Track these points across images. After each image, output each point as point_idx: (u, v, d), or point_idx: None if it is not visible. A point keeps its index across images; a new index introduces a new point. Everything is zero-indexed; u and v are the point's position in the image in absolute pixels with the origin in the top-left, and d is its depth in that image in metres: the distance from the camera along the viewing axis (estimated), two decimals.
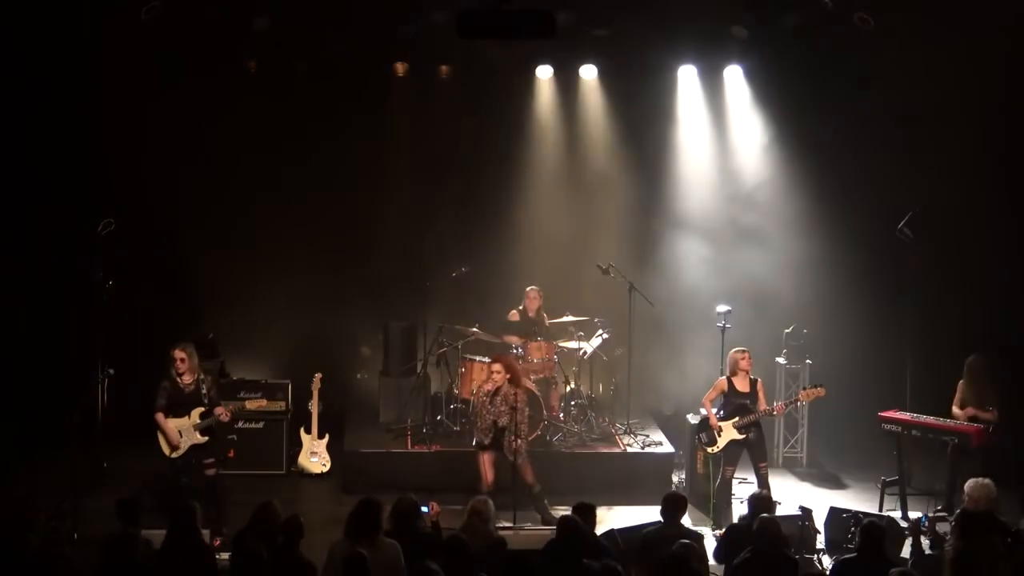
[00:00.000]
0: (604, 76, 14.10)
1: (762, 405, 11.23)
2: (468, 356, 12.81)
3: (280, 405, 12.60)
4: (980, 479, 9.11)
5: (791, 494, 11.99)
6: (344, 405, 13.62)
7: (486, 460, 11.14)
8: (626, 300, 12.83)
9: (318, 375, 12.63)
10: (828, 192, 13.73)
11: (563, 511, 9.64)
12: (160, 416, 10.49)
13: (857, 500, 11.76)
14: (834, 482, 12.81)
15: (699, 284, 13.85)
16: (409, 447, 12.52)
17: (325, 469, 12.54)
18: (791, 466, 13.33)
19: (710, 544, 9.42)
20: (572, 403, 12.93)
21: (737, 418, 11.19)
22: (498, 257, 14.07)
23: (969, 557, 7.77)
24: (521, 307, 13.15)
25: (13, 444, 12.41)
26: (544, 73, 14.10)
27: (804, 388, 11.98)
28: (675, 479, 12.36)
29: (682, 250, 14.13)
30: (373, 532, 8.12)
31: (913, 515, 10.69)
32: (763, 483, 11.02)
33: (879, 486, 11.68)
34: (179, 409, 10.52)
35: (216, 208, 13.65)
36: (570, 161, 14.36)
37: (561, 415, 12.83)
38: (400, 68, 13.69)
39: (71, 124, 12.91)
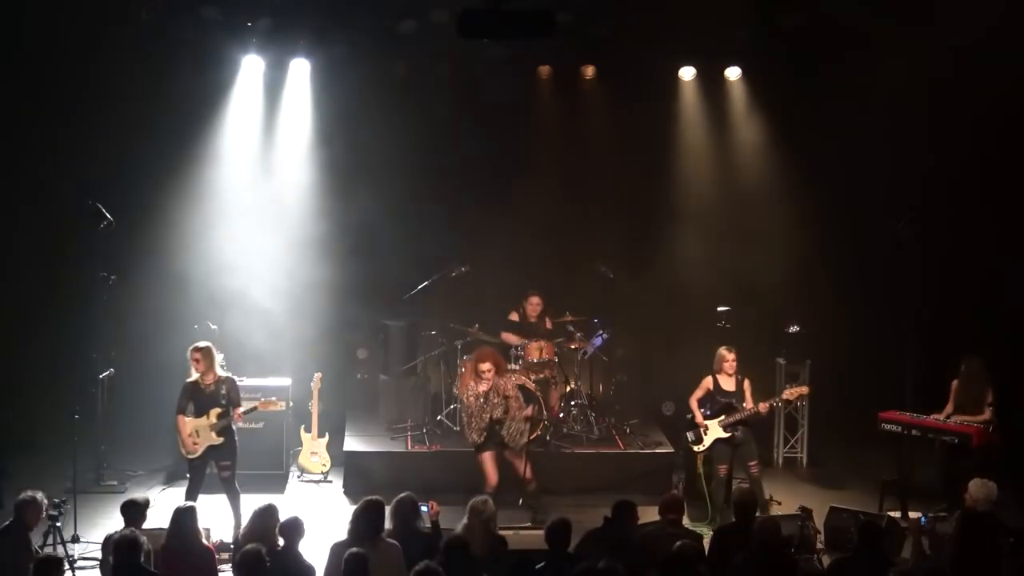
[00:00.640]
0: (604, 76, 14.10)
1: (748, 404, 11.24)
2: (468, 356, 12.81)
3: (280, 405, 12.59)
4: (981, 479, 9.12)
5: (791, 494, 11.98)
6: (344, 405, 13.62)
7: (487, 460, 11.11)
8: (626, 300, 12.81)
9: (318, 375, 12.63)
10: (828, 192, 13.73)
11: (565, 510, 9.57)
12: (180, 419, 10.46)
13: (857, 500, 11.72)
14: (834, 482, 12.79)
15: (699, 284, 13.85)
16: (409, 447, 12.52)
17: (325, 469, 12.53)
18: (791, 466, 13.33)
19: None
20: (572, 403, 12.94)
21: (723, 416, 11.22)
22: (498, 257, 14.05)
23: (970, 557, 7.78)
24: (520, 310, 13.13)
25: (13, 444, 12.40)
26: (545, 73, 14.09)
27: (788, 387, 12.00)
28: (675, 479, 12.35)
29: (682, 250, 14.12)
30: (375, 533, 8.13)
31: (913, 515, 10.67)
32: (754, 482, 11.03)
33: (879, 486, 11.69)
34: (199, 409, 10.51)
35: (216, 208, 13.64)
36: (570, 161, 14.35)
37: (561, 415, 12.83)
38: (402, 68, 13.71)
39: (71, 124, 12.91)
